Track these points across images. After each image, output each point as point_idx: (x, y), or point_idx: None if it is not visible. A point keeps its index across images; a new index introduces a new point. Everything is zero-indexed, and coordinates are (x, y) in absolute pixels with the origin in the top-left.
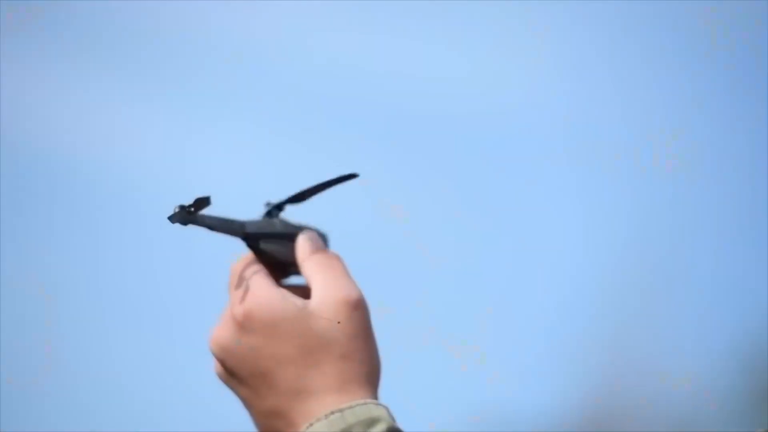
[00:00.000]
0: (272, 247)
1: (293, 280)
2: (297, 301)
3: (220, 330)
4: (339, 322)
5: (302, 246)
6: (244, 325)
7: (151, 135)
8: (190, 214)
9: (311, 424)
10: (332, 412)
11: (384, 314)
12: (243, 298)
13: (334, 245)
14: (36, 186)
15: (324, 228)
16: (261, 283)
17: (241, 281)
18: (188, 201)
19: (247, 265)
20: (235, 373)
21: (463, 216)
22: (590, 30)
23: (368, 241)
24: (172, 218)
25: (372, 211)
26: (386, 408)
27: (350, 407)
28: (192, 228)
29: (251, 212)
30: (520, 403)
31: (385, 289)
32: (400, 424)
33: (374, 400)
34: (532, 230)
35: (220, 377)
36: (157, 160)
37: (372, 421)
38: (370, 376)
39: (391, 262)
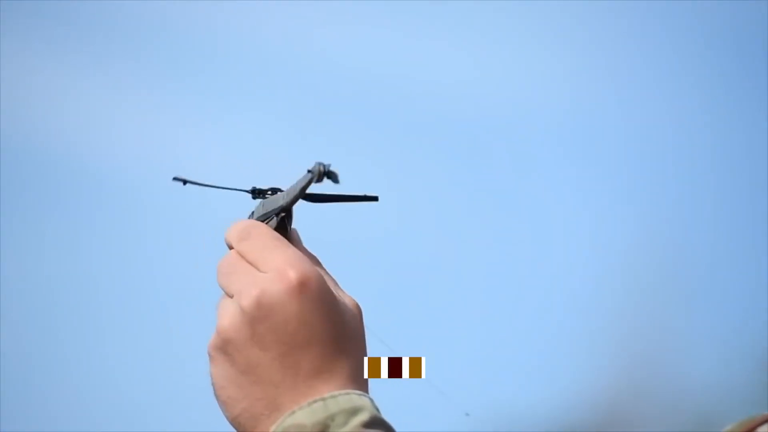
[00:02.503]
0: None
1: None
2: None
3: (272, 288)
4: (357, 321)
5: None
6: (303, 288)
7: (151, 132)
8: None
9: (293, 412)
10: (315, 401)
11: (385, 313)
12: (296, 263)
13: (336, 245)
14: (35, 184)
15: (326, 225)
16: (307, 255)
17: (283, 246)
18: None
19: (274, 233)
20: (263, 338)
21: (468, 214)
22: (595, 29)
23: (370, 242)
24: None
25: (372, 211)
26: (370, 399)
27: (333, 396)
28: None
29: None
30: (529, 403)
31: (388, 287)
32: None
33: (357, 391)
34: (541, 228)
35: (225, 343)
36: (156, 157)
37: (355, 410)
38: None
39: (394, 261)
